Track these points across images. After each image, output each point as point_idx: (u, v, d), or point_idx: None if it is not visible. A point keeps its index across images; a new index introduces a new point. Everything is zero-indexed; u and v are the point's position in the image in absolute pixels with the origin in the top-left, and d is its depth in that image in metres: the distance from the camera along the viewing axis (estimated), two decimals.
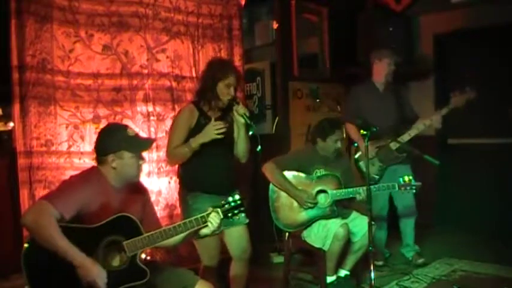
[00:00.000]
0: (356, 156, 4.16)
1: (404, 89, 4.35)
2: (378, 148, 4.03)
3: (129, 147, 2.30)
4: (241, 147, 2.99)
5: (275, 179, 3.47)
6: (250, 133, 2.97)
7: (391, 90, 4.17)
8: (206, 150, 2.82)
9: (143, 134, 3.63)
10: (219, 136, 2.77)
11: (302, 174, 3.52)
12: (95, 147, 2.39)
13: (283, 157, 3.62)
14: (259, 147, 2.95)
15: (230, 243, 3.00)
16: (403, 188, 3.40)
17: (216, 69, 2.91)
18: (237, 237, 2.97)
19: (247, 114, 2.88)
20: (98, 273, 2.10)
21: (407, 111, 4.15)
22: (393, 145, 3.97)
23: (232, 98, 2.88)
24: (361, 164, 4.07)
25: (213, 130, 2.76)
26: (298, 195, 3.44)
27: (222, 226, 2.76)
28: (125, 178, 2.33)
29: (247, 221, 2.98)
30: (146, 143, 2.46)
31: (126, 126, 2.39)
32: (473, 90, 3.79)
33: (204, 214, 2.34)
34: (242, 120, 2.88)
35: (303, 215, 3.47)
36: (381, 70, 4.12)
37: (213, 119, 2.84)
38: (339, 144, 3.52)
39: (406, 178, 3.41)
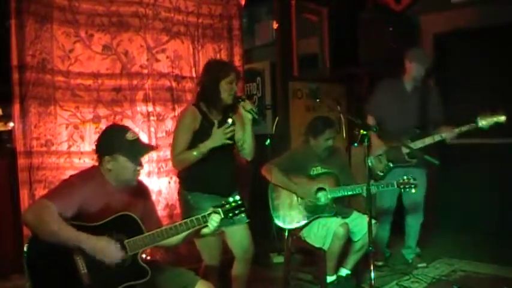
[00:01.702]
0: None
1: (436, 90, 4.15)
2: (389, 148, 3.98)
3: (125, 152, 2.28)
4: (247, 144, 2.98)
5: (276, 179, 3.48)
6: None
7: (419, 93, 4.02)
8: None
9: (143, 134, 3.63)
10: (228, 141, 2.78)
11: (300, 173, 3.54)
12: (95, 146, 2.39)
13: (280, 158, 3.63)
14: (268, 141, 2.95)
15: (233, 243, 3.00)
16: (401, 186, 3.40)
17: (217, 68, 2.92)
18: (239, 237, 2.98)
19: (254, 109, 2.89)
20: (108, 247, 2.12)
21: (434, 113, 3.98)
22: (405, 148, 3.89)
23: (236, 95, 2.89)
24: (368, 160, 3.95)
25: (223, 135, 2.76)
26: (300, 191, 3.45)
27: (222, 225, 2.77)
28: (119, 181, 2.33)
29: (247, 220, 2.98)
30: (143, 150, 2.39)
31: (127, 130, 2.36)
32: (504, 113, 3.60)
33: (205, 214, 2.35)
34: (250, 116, 2.87)
35: (303, 212, 3.49)
36: (410, 71, 4.00)
37: (216, 123, 2.83)
38: (330, 143, 3.53)
39: (405, 177, 3.41)
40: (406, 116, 3.95)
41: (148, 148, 2.45)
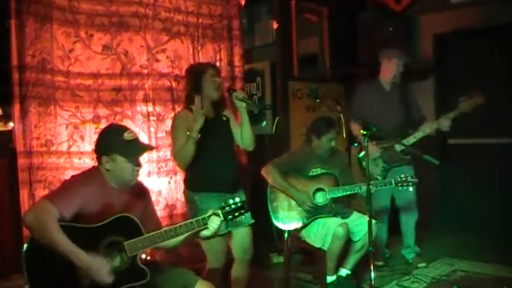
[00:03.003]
0: (360, 155, 4.09)
1: (411, 89, 4.26)
2: (383, 149, 4.00)
3: (123, 152, 2.28)
4: (246, 134, 2.98)
5: (274, 181, 3.48)
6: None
7: (398, 90, 4.12)
8: (208, 149, 2.82)
9: (143, 134, 3.63)
10: (202, 119, 2.75)
11: (299, 174, 3.53)
12: (94, 147, 2.39)
13: (280, 158, 3.62)
14: (265, 122, 2.97)
15: (233, 243, 3.01)
16: (399, 185, 3.40)
17: (195, 67, 3.04)
18: (240, 237, 2.99)
19: (246, 97, 2.90)
20: (102, 269, 2.11)
21: (413, 112, 4.09)
22: (398, 147, 3.93)
23: (226, 88, 2.95)
24: (365, 163, 4.01)
25: (199, 114, 2.76)
26: (298, 197, 3.45)
27: (228, 227, 2.80)
28: (118, 181, 2.32)
29: (252, 221, 2.98)
30: (141, 149, 2.38)
31: (124, 129, 2.35)
32: (483, 94, 3.73)
33: (205, 216, 2.35)
34: (244, 104, 2.89)
35: (302, 213, 3.48)
36: (389, 70, 4.07)
37: (194, 108, 2.82)
38: (333, 143, 3.53)
39: (403, 175, 3.42)
40: (391, 115, 3.99)
41: (146, 147, 2.45)
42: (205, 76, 2.90)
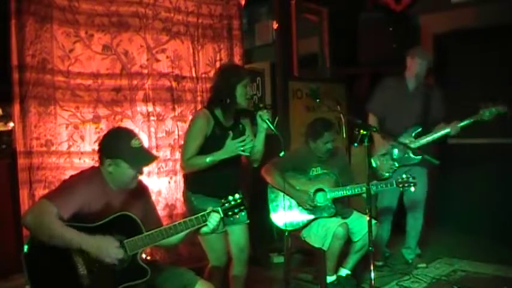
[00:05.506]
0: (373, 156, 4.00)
1: (438, 90, 4.13)
2: (392, 146, 3.95)
3: (128, 158, 2.28)
4: (258, 151, 2.98)
5: (275, 181, 3.48)
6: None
7: (422, 90, 4.02)
8: None
9: (143, 134, 3.63)
10: (242, 153, 2.77)
11: (299, 174, 3.53)
12: (98, 146, 2.38)
13: (279, 158, 3.61)
14: (283, 152, 2.97)
15: (230, 242, 3.02)
16: (400, 185, 3.40)
17: (232, 73, 2.93)
18: (237, 236, 2.99)
19: (271, 119, 2.89)
20: (110, 245, 2.13)
21: (434, 113, 3.99)
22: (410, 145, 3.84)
23: (255, 102, 2.90)
24: (372, 160, 3.95)
25: (239, 147, 2.76)
26: (299, 197, 3.45)
27: (224, 225, 2.79)
28: (118, 184, 2.33)
29: (247, 220, 2.99)
30: (146, 160, 2.37)
31: (132, 136, 2.35)
32: (505, 104, 3.63)
33: (205, 213, 2.36)
34: (265, 126, 2.89)
35: (302, 214, 3.49)
36: (411, 68, 4.00)
37: (231, 134, 2.82)
38: (329, 146, 3.52)
39: (404, 175, 3.41)
40: (407, 115, 3.95)
41: (152, 158, 2.42)
42: (240, 86, 2.86)
